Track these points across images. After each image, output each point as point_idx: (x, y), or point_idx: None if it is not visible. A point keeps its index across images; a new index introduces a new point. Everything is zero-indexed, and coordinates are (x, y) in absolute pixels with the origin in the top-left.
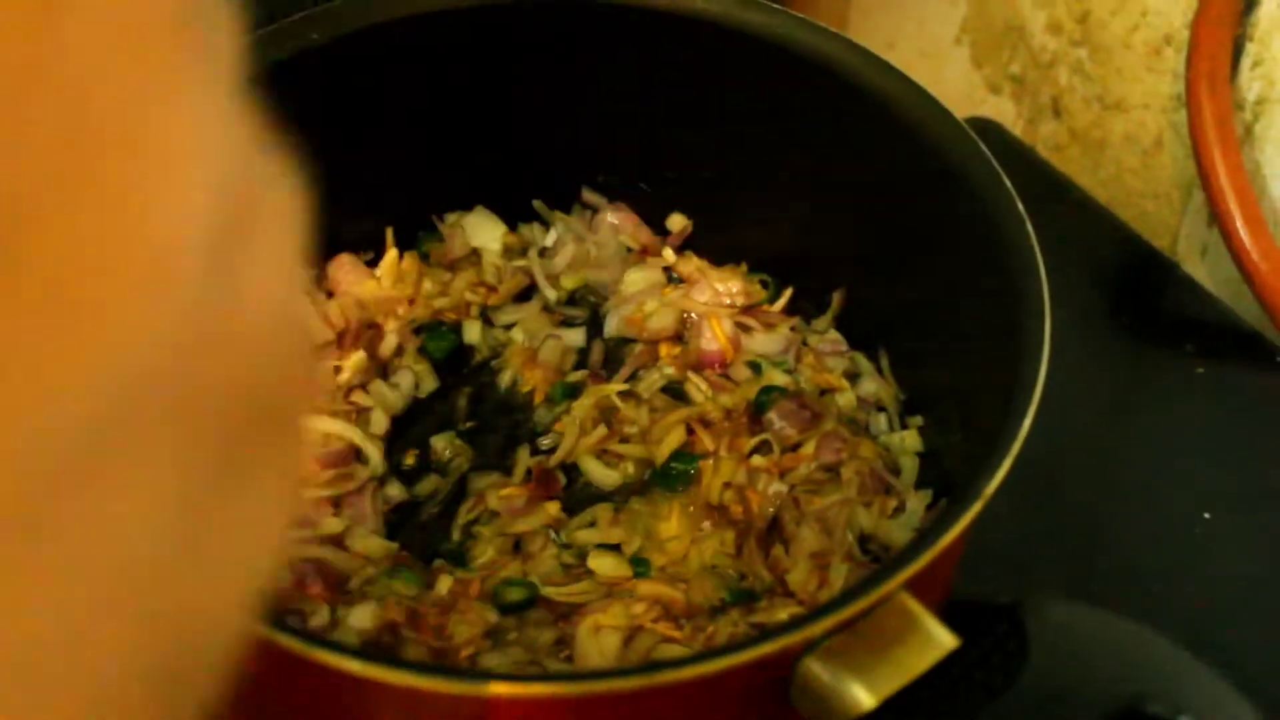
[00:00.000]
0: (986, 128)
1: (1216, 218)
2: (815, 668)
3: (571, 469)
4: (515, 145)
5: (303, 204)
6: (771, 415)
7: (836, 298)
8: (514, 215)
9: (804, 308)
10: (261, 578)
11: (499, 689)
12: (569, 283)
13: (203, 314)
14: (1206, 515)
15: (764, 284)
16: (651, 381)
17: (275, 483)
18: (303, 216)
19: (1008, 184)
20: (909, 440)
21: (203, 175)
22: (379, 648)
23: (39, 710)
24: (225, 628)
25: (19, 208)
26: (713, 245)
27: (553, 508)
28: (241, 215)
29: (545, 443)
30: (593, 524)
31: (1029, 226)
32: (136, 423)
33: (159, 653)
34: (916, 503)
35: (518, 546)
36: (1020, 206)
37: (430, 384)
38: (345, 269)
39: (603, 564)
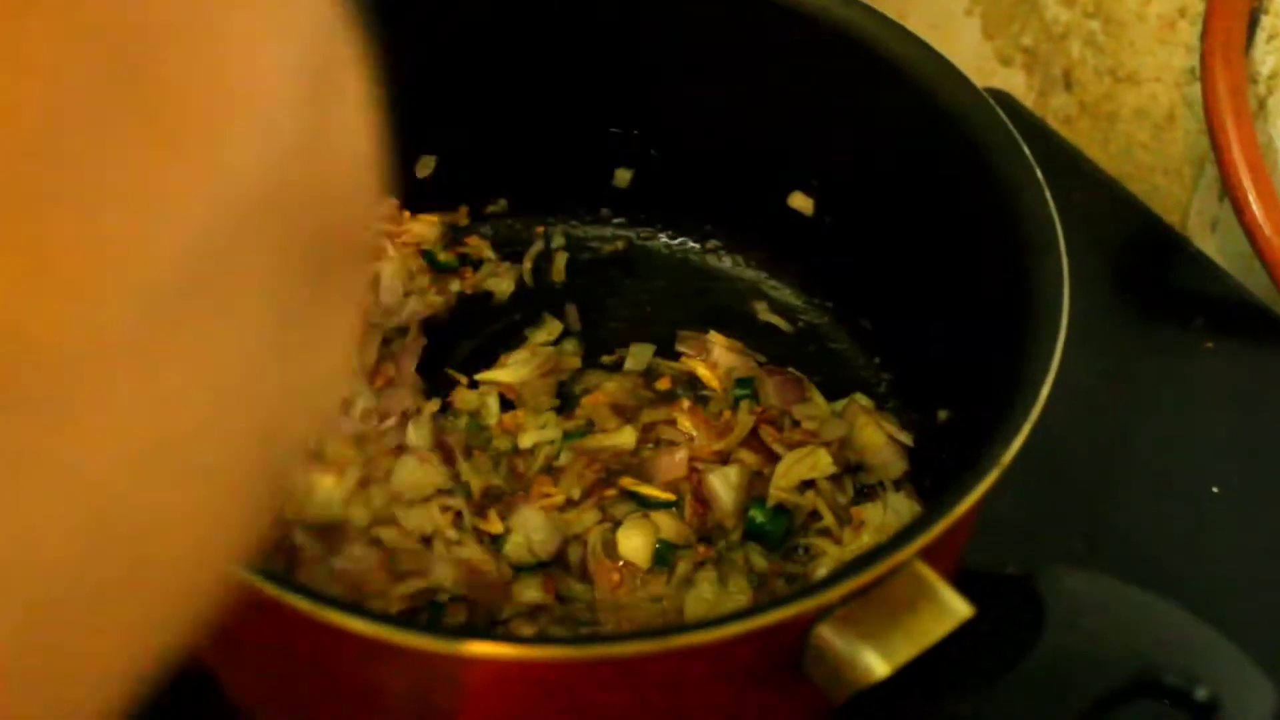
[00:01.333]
0: (998, 100)
1: (1229, 192)
2: (828, 635)
3: None
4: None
5: (368, 69)
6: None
7: None
8: None
9: (822, 278)
10: (331, 390)
11: (511, 651)
12: None
13: (301, 150)
14: (1214, 490)
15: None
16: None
17: (346, 307)
18: (369, 77)
19: (1026, 152)
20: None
21: (297, 27)
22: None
23: (176, 487)
24: (298, 429)
25: (148, 35)
26: None
27: None
28: (327, 66)
29: None
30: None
31: (1047, 194)
32: (243, 243)
33: (253, 446)
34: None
35: None
36: (1039, 174)
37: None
38: None
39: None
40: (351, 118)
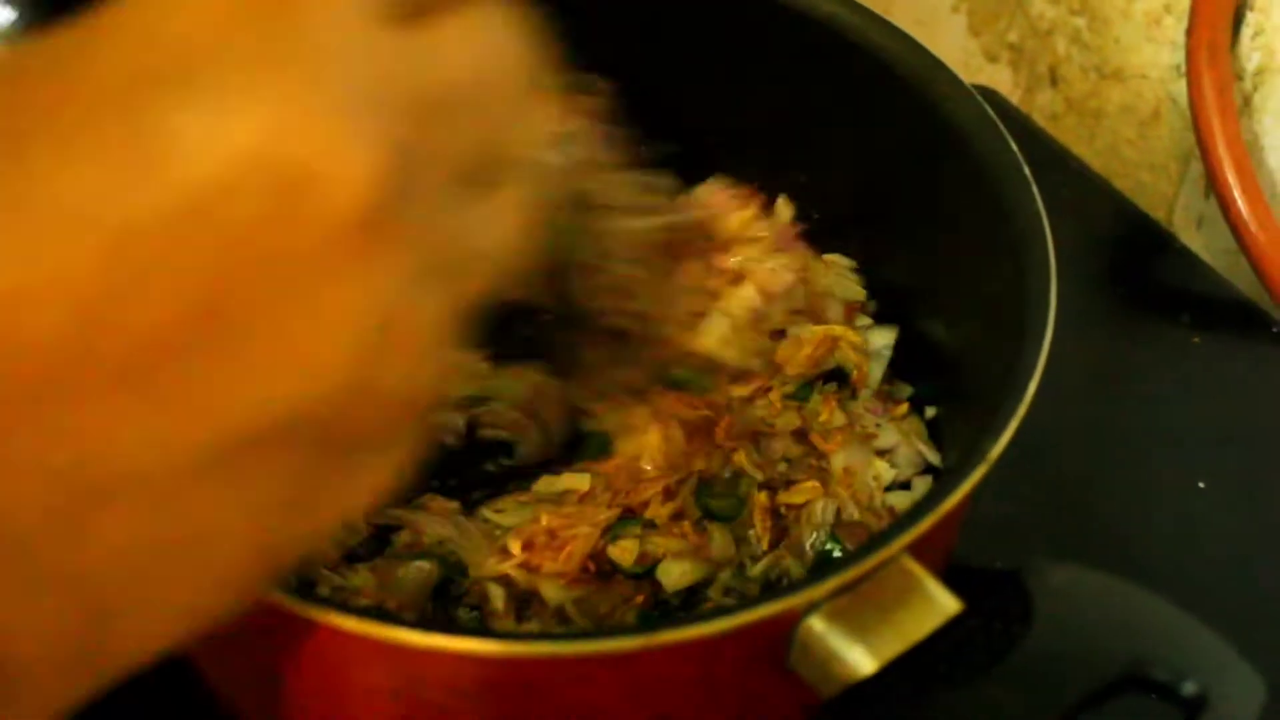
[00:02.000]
0: (983, 96)
1: (1214, 188)
2: (816, 630)
3: None
4: None
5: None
6: None
7: None
8: None
9: None
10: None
11: (498, 648)
12: None
13: (346, 393)
14: (1201, 484)
15: None
16: None
17: (362, 484)
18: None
19: (1014, 148)
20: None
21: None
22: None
23: (198, 570)
24: (316, 541)
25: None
26: None
27: None
28: (397, 323)
29: None
30: None
31: (1034, 190)
32: (269, 443)
33: (266, 550)
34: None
35: None
36: (1026, 170)
37: None
38: None
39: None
40: (413, 369)
